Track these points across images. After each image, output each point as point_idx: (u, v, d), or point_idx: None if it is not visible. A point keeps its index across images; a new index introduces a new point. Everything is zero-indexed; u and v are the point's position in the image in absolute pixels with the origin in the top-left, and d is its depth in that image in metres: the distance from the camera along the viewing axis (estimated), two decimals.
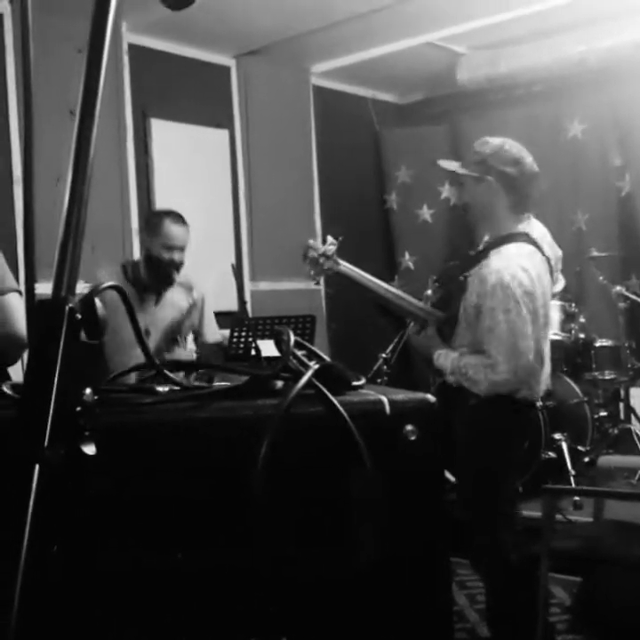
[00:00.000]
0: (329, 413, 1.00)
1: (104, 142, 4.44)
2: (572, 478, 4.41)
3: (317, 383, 1.01)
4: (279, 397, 0.99)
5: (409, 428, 1.04)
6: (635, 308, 5.11)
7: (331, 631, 1.03)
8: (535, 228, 2.78)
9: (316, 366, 1.04)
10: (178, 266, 3.47)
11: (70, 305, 0.76)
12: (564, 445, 4.53)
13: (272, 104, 5.69)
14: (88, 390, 0.78)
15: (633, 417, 5.02)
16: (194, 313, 3.57)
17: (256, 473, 0.93)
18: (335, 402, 1.00)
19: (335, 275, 2.81)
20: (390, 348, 5.28)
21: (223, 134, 5.51)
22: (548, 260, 2.73)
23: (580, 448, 4.75)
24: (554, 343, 4.84)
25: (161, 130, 5.14)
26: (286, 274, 5.72)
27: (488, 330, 2.57)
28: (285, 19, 4.88)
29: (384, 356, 5.24)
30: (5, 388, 1.02)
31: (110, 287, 0.92)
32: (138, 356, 3.58)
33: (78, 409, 0.76)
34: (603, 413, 5.05)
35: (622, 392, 5.15)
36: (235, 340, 4.07)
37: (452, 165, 2.84)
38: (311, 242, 2.84)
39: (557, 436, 4.56)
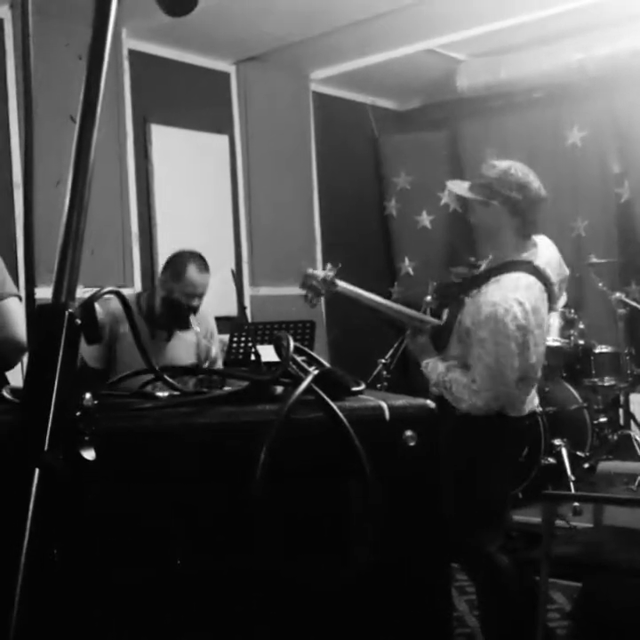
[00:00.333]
0: (328, 419, 1.00)
1: (104, 147, 4.45)
2: (571, 484, 4.40)
3: (317, 389, 1.01)
4: (279, 403, 0.99)
5: (408, 433, 1.04)
6: (634, 314, 5.12)
7: (330, 638, 1.02)
8: (542, 254, 2.79)
9: (316, 372, 1.04)
10: (195, 311, 3.42)
11: (70, 310, 0.76)
12: (564, 451, 4.53)
13: (271, 110, 5.70)
14: (87, 395, 0.78)
15: (632, 423, 5.02)
16: (202, 347, 3.52)
17: (255, 479, 0.93)
18: (334, 407, 1.00)
19: (332, 295, 2.88)
20: (390, 353, 5.29)
21: (223, 140, 5.52)
22: (551, 287, 2.76)
23: (579, 454, 4.74)
24: (553, 349, 4.88)
25: (161, 135, 5.15)
26: (286, 279, 5.72)
27: (477, 357, 2.63)
28: (285, 25, 4.89)
29: (383, 361, 5.24)
30: (5, 393, 1.02)
31: (110, 292, 0.92)
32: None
33: (78, 414, 0.76)
34: (602, 419, 5.05)
35: (622, 398, 5.15)
36: (234, 345, 4.07)
37: (458, 187, 2.85)
38: (309, 271, 2.90)
39: (557, 441, 4.56)
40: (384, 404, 1.05)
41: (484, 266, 2.93)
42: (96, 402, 0.79)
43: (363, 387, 1.10)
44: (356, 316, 5.62)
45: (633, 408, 5.08)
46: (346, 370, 1.11)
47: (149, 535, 0.96)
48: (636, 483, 4.45)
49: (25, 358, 2.24)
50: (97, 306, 0.81)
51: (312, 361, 1.11)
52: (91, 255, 4.26)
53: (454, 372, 2.70)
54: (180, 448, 0.98)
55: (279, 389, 1.05)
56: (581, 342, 5.01)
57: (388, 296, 6.35)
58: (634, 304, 5.07)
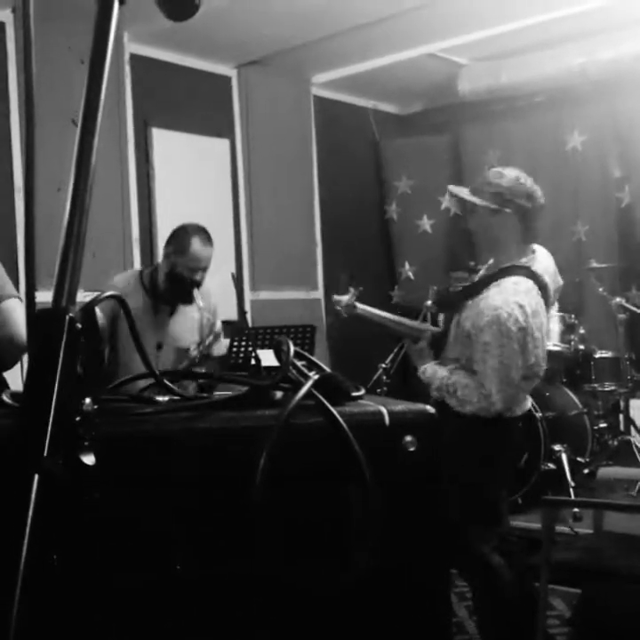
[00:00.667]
0: (328, 424, 1.00)
1: (105, 151, 4.46)
2: (571, 490, 4.40)
3: (317, 394, 1.01)
4: (278, 408, 0.99)
5: (408, 438, 1.03)
6: (634, 319, 5.11)
7: None
8: (540, 260, 2.83)
9: (316, 377, 1.04)
10: (199, 285, 3.42)
11: (71, 314, 0.76)
12: (564, 457, 4.52)
13: (273, 114, 5.71)
14: (87, 400, 0.78)
15: (632, 428, 5.01)
16: (203, 322, 3.51)
17: (255, 484, 0.93)
18: (334, 412, 1.00)
19: (353, 318, 3.02)
20: (390, 358, 5.29)
21: (224, 144, 5.53)
22: (547, 291, 2.79)
23: (579, 459, 4.74)
24: (553, 354, 4.87)
25: (162, 139, 5.15)
26: (286, 283, 5.73)
27: (482, 361, 2.67)
28: (286, 29, 4.90)
29: (384, 366, 5.24)
30: (5, 397, 1.02)
31: (111, 297, 0.92)
32: (153, 359, 3.56)
33: (78, 418, 0.76)
34: (602, 425, 5.04)
35: (622, 403, 5.14)
36: (235, 349, 4.07)
37: (466, 194, 2.85)
38: (335, 297, 3.08)
39: (557, 447, 4.55)
40: (384, 409, 1.04)
41: (483, 271, 2.97)
42: (96, 406, 0.79)
43: (362, 392, 1.10)
44: (357, 321, 5.63)
45: (633, 413, 5.08)
46: (346, 375, 1.11)
47: (149, 540, 0.96)
48: (636, 489, 4.45)
49: (25, 362, 2.24)
50: (97, 310, 0.81)
51: (312, 366, 1.11)
52: (92, 259, 4.27)
53: (458, 374, 2.73)
54: (179, 453, 0.97)
55: (279, 394, 1.05)
56: (581, 347, 5.01)
57: (388, 300, 6.36)
58: (634, 309, 5.07)
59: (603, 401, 5.15)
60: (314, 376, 1.04)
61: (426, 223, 6.44)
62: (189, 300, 3.42)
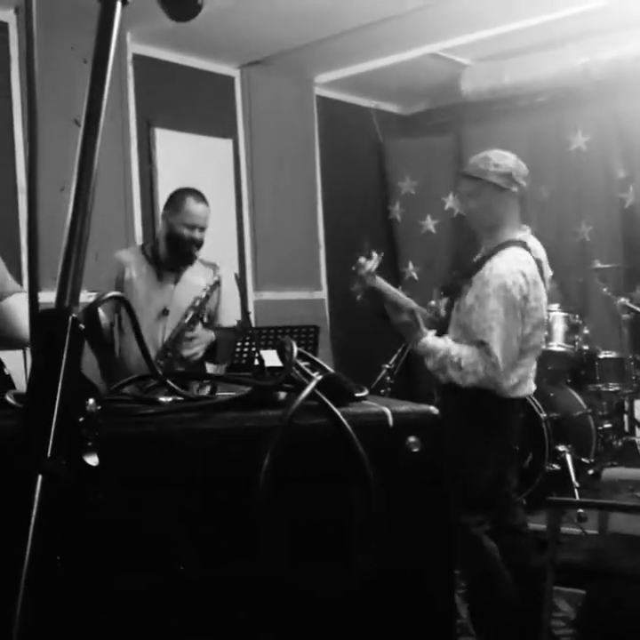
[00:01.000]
0: (332, 425, 0.99)
1: (108, 152, 4.46)
2: (576, 491, 4.39)
3: (320, 394, 1.01)
4: (282, 409, 0.99)
5: (412, 439, 1.03)
6: (639, 319, 5.10)
7: None
8: (533, 240, 2.93)
9: (319, 377, 1.04)
10: (198, 244, 3.44)
11: (74, 315, 0.76)
12: (568, 457, 4.51)
13: (276, 114, 5.71)
14: (91, 400, 0.78)
15: (637, 429, 5.00)
16: (215, 293, 3.50)
17: (258, 485, 0.92)
18: (338, 413, 1.00)
19: (371, 291, 2.95)
20: (394, 358, 5.28)
21: (227, 144, 5.53)
22: (542, 266, 2.89)
23: (584, 460, 4.73)
24: (558, 354, 4.87)
25: (165, 139, 5.15)
26: (290, 283, 5.72)
27: (489, 329, 2.71)
28: (289, 29, 4.89)
29: (387, 366, 5.23)
30: (8, 398, 1.02)
31: (113, 297, 0.91)
32: (155, 336, 3.56)
33: (81, 419, 0.76)
34: (607, 425, 5.03)
35: (626, 404, 5.13)
36: (238, 349, 4.06)
37: (478, 171, 2.94)
38: (362, 260, 3.01)
39: (561, 448, 4.54)
40: (387, 410, 1.04)
41: (482, 250, 3.01)
42: (99, 407, 0.79)
43: (366, 392, 1.10)
44: (361, 321, 5.63)
45: (638, 414, 5.07)
46: (350, 375, 1.11)
47: (153, 541, 0.95)
48: None
49: (28, 362, 2.24)
50: (100, 310, 0.81)
51: (315, 366, 1.11)
52: (94, 259, 4.27)
53: (460, 346, 2.78)
54: (182, 454, 0.97)
55: (282, 395, 1.05)
56: (586, 348, 5.00)
57: None
58: (638, 309, 5.06)
59: (607, 401, 5.14)
60: (317, 377, 1.04)
61: (429, 223, 6.44)
62: (190, 259, 3.45)
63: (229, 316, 3.54)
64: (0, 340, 2.28)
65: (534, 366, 2.95)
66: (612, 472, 4.29)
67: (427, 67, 5.74)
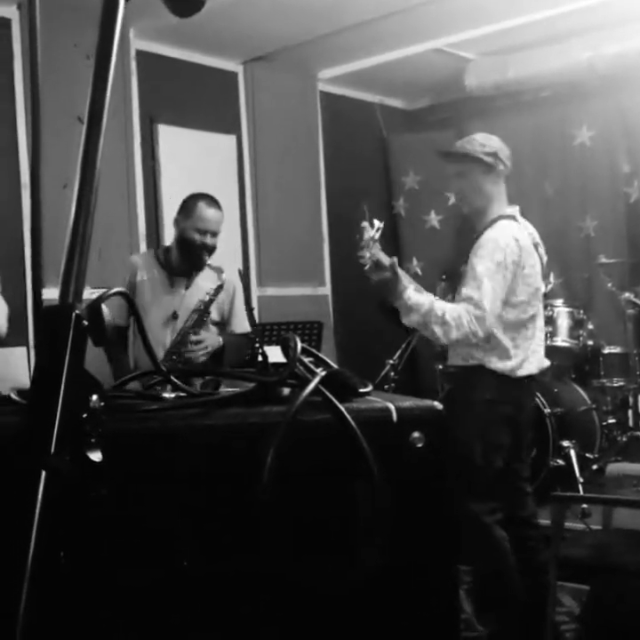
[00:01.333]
0: (336, 421, 0.99)
1: (111, 148, 4.45)
2: (580, 486, 4.38)
3: (324, 390, 1.01)
4: (286, 404, 0.99)
5: (416, 435, 1.03)
6: None
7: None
8: (523, 219, 3.03)
9: (323, 373, 1.04)
10: (210, 250, 3.44)
11: (77, 311, 0.76)
12: (573, 453, 4.51)
13: (279, 110, 5.70)
14: (94, 397, 0.78)
15: None
16: (221, 296, 3.49)
17: (262, 481, 0.92)
18: (342, 409, 1.00)
19: (374, 263, 2.81)
20: (397, 354, 5.28)
21: (230, 140, 5.52)
22: (535, 239, 2.99)
23: (588, 455, 4.72)
24: (562, 350, 4.86)
25: (168, 135, 5.15)
26: (293, 279, 5.72)
27: (480, 284, 2.76)
28: (293, 25, 4.89)
29: (391, 362, 5.23)
30: (12, 395, 1.02)
31: (117, 293, 0.91)
32: (164, 339, 3.56)
33: (85, 415, 0.76)
34: (611, 420, 5.03)
35: (631, 399, 5.12)
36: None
37: (471, 147, 3.04)
38: (365, 223, 2.94)
39: (566, 443, 4.54)
40: (391, 406, 1.04)
41: (477, 232, 3.06)
42: (102, 403, 0.79)
43: (370, 388, 1.10)
44: (364, 317, 5.62)
45: None
46: (353, 371, 1.11)
47: (156, 536, 0.96)
48: None
49: (32, 359, 2.24)
50: (103, 307, 0.81)
51: (319, 362, 1.11)
52: (98, 256, 4.27)
53: (444, 303, 2.82)
54: (186, 450, 0.97)
55: (286, 391, 1.05)
56: (590, 343, 4.99)
57: None
58: None
59: (611, 397, 5.13)
60: (321, 372, 1.04)
61: (433, 219, 6.43)
62: (200, 264, 3.44)
63: (243, 321, 3.54)
64: None
65: (540, 342, 2.97)
66: (617, 467, 4.28)
67: (430, 62, 5.73)
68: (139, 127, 4.95)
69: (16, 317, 4.33)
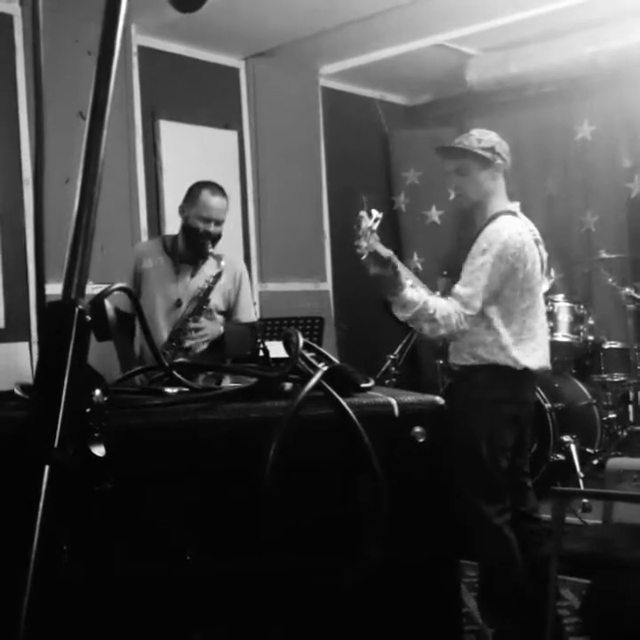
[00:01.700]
0: (338, 416, 1.00)
1: (113, 144, 4.45)
2: (580, 480, 4.39)
3: (326, 385, 1.01)
4: (288, 399, 0.99)
5: (417, 430, 1.04)
6: None
7: (339, 635, 1.02)
8: (526, 219, 3.02)
9: (325, 368, 1.04)
10: (214, 238, 3.43)
11: (80, 306, 0.76)
12: (573, 447, 4.52)
13: (281, 105, 5.69)
14: (97, 391, 0.78)
15: None
16: (228, 286, 3.48)
17: (265, 475, 0.93)
18: (344, 404, 1.00)
19: (370, 255, 2.78)
20: (399, 349, 5.28)
21: (232, 135, 5.52)
22: (536, 235, 2.99)
23: (588, 450, 4.73)
24: (563, 345, 4.87)
25: (170, 131, 5.15)
26: (295, 275, 5.72)
27: (475, 280, 2.79)
28: (294, 20, 4.88)
29: (392, 357, 5.23)
30: (16, 390, 1.02)
31: (120, 289, 0.92)
32: (168, 326, 3.54)
33: (88, 410, 0.77)
34: (611, 415, 5.03)
35: (631, 394, 5.13)
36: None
37: (468, 142, 3.04)
38: (362, 213, 2.88)
39: (566, 438, 4.54)
40: (393, 401, 1.05)
41: (477, 228, 3.06)
42: (106, 398, 0.80)
43: (372, 383, 1.10)
44: (365, 312, 5.62)
45: None
46: (355, 366, 1.11)
47: (159, 531, 0.96)
48: None
49: (35, 354, 2.25)
50: (106, 302, 0.81)
51: (321, 357, 1.11)
52: (100, 251, 4.27)
53: (436, 299, 2.82)
54: (188, 444, 0.98)
55: (288, 386, 1.05)
56: (591, 338, 5.00)
57: None
58: None
59: (612, 392, 5.13)
60: (323, 367, 1.04)
61: (434, 214, 6.42)
62: (204, 253, 3.43)
63: (249, 310, 3.53)
64: None
65: (543, 340, 2.95)
66: (617, 462, 4.28)
67: (432, 57, 5.72)
68: (140, 123, 4.94)
69: (19, 313, 4.33)
